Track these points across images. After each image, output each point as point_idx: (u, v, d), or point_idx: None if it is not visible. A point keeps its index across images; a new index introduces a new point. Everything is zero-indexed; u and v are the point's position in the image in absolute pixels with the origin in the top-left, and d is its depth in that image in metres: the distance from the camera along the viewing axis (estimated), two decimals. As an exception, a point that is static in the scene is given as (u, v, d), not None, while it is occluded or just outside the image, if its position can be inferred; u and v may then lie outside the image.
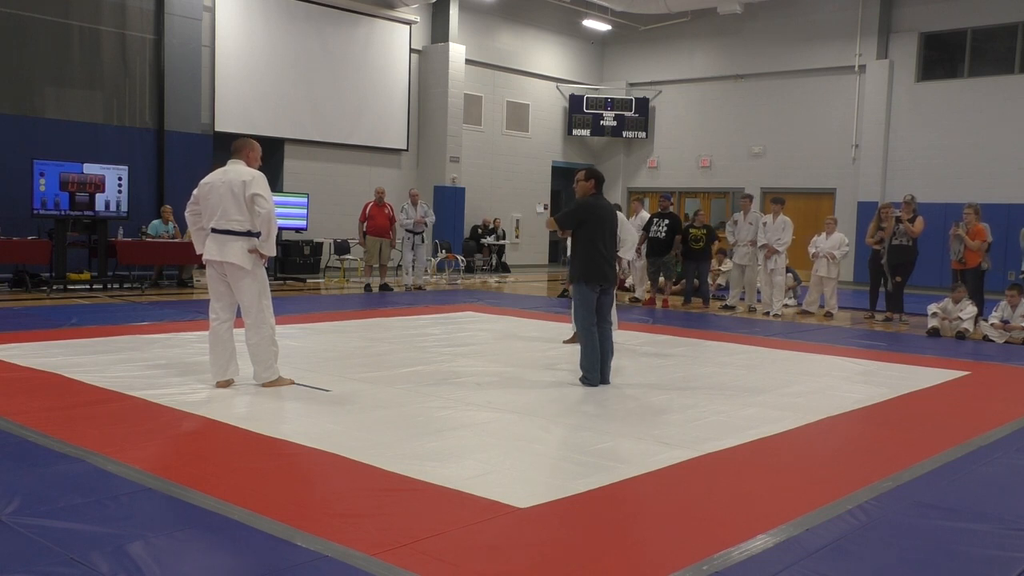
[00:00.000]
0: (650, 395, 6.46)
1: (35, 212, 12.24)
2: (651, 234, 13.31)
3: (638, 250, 13.67)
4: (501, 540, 3.49)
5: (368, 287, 14.57)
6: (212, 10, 16.12)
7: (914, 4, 19.09)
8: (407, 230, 14.64)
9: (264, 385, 6.13)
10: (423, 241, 14.97)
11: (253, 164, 6.16)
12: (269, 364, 6.14)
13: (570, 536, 3.62)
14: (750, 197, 13.56)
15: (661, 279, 13.77)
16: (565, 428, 5.45)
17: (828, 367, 8.03)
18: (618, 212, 7.85)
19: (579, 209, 6.84)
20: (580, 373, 6.76)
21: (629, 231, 9.37)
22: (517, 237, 22.39)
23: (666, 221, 13.27)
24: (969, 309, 10.61)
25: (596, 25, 21.60)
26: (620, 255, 8.74)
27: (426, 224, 14.71)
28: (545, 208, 22.75)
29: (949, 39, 18.91)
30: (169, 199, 14.43)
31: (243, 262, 5.96)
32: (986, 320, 10.56)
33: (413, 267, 14.85)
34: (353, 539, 3.37)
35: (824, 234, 12.57)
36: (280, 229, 12.67)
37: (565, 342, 8.87)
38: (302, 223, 15.69)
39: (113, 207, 12.87)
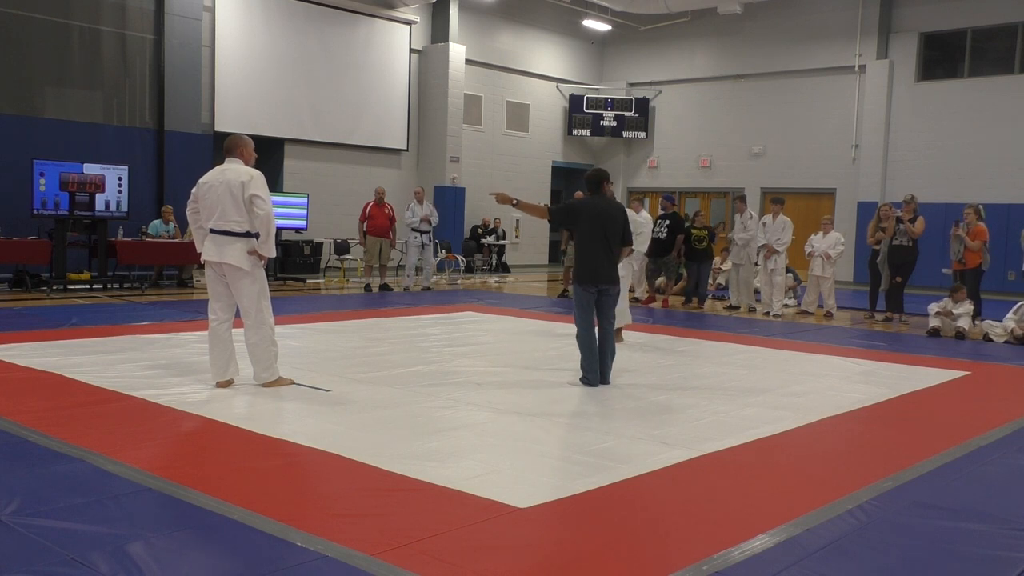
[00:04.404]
0: (650, 395, 6.46)
1: (35, 212, 12.24)
2: (652, 234, 13.32)
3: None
4: (501, 540, 3.49)
5: (368, 287, 14.57)
6: (212, 10, 16.11)
7: (914, 4, 19.08)
8: (413, 229, 14.59)
9: (264, 385, 6.13)
10: (431, 241, 14.91)
11: (249, 161, 6.14)
12: (268, 364, 6.14)
13: (570, 536, 3.62)
14: (743, 198, 13.67)
15: (661, 279, 13.79)
16: (565, 428, 5.45)
17: (828, 367, 8.03)
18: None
19: (570, 209, 6.85)
20: (580, 373, 6.76)
21: (643, 224, 9.13)
22: (517, 237, 22.39)
23: (667, 222, 13.31)
24: (964, 307, 10.63)
25: (596, 25, 21.60)
26: (635, 247, 8.74)
27: (431, 222, 14.64)
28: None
29: (949, 39, 18.91)
30: (169, 199, 14.43)
31: (242, 263, 5.95)
32: (991, 320, 10.57)
33: (419, 269, 14.82)
34: (353, 539, 3.37)
35: (821, 233, 12.58)
36: (280, 229, 12.71)
37: None
38: (302, 223, 15.68)
39: (113, 207, 12.87)
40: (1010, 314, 10.37)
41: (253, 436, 4.92)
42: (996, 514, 3.99)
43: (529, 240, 22.81)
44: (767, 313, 12.51)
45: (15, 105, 13.49)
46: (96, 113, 14.36)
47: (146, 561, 3.11)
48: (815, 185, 20.39)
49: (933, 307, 10.79)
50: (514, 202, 6.74)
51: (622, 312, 8.99)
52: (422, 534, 3.46)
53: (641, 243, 9.11)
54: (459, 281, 17.46)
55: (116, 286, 12.96)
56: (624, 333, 9.15)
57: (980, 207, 12.09)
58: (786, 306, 13.02)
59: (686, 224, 13.93)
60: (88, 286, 12.70)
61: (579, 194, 7.14)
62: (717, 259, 15.72)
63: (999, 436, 5.52)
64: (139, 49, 14.79)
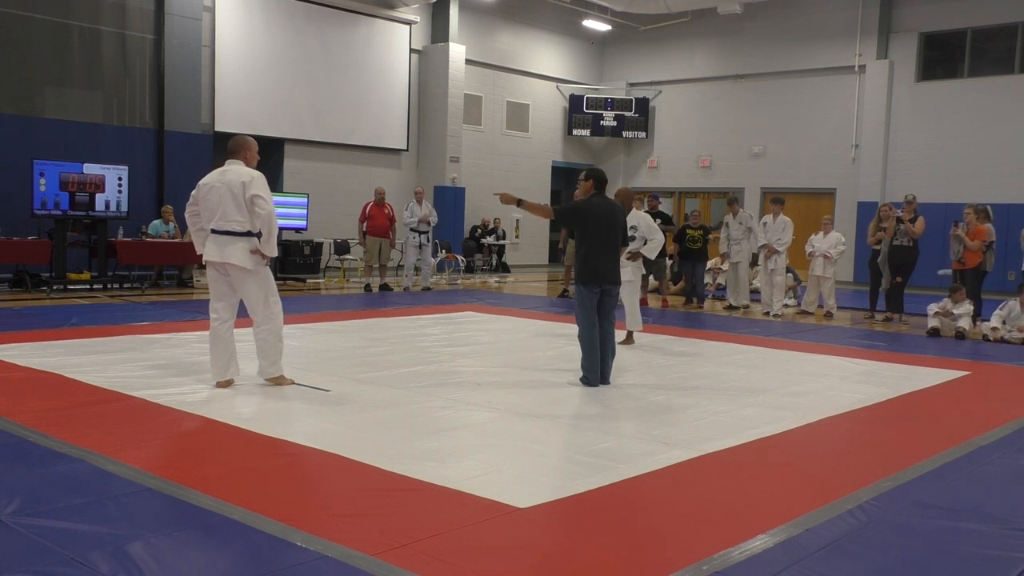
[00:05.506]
0: (650, 395, 6.46)
1: (35, 212, 12.24)
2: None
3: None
4: (501, 540, 3.49)
5: (368, 287, 14.57)
6: (212, 10, 16.11)
7: (914, 4, 19.08)
8: (411, 229, 14.58)
9: (267, 380, 6.15)
10: (429, 241, 14.91)
11: (251, 163, 6.14)
12: (275, 359, 6.16)
13: (570, 536, 3.62)
14: (736, 199, 13.84)
15: (654, 280, 13.78)
16: (565, 428, 5.46)
17: (828, 367, 8.03)
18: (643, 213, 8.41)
19: (574, 209, 6.87)
20: (580, 373, 6.76)
21: (655, 231, 8.90)
22: (517, 237, 22.39)
23: (658, 220, 13.29)
24: (964, 307, 10.63)
25: (596, 25, 21.60)
26: (644, 252, 8.79)
27: (429, 223, 14.63)
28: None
29: (949, 39, 18.91)
30: (169, 199, 14.43)
31: (244, 263, 5.95)
32: (986, 320, 10.57)
33: (418, 269, 14.82)
34: (353, 539, 3.37)
35: (821, 233, 12.59)
36: (280, 229, 12.68)
37: (620, 343, 8.61)
38: (302, 223, 15.68)
39: (113, 207, 12.87)
40: (997, 311, 10.39)
41: (253, 436, 4.92)
42: (996, 514, 3.99)
43: (529, 240, 22.81)
44: (767, 313, 12.51)
45: (15, 105, 13.49)
46: (96, 113, 14.36)
47: (146, 561, 3.11)
48: (815, 185, 20.39)
49: (932, 307, 10.79)
50: (518, 202, 6.75)
51: (634, 317, 8.97)
52: (422, 534, 3.46)
53: (652, 250, 8.95)
54: (459, 281, 17.46)
55: (116, 286, 12.96)
56: (625, 333, 9.09)
57: (988, 208, 12.10)
58: (786, 306, 13.02)
59: (683, 223, 13.94)
60: (88, 286, 12.70)
61: (583, 184, 7.09)
62: (716, 259, 15.74)
63: (999, 436, 5.52)
64: (139, 49, 14.79)
